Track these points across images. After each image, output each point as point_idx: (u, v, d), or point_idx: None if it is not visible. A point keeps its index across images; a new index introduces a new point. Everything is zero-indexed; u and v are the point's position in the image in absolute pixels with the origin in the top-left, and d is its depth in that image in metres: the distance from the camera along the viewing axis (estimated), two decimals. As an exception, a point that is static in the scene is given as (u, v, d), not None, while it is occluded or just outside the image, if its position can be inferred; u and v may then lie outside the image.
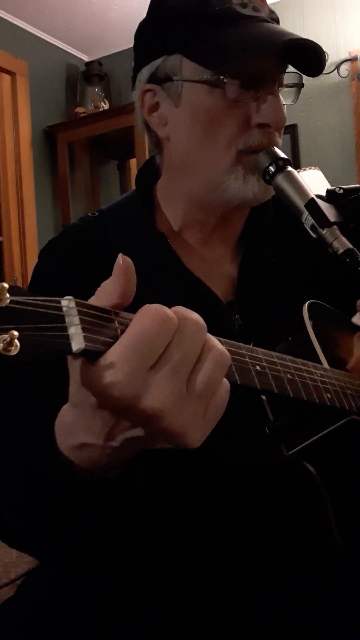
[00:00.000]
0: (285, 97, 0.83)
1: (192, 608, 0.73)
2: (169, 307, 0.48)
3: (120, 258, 0.48)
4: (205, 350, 0.48)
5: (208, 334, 0.50)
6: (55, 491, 0.59)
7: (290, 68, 0.82)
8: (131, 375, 0.45)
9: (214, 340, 0.50)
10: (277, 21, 0.82)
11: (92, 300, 0.49)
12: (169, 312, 0.47)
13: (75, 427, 0.53)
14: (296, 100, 0.84)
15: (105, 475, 0.56)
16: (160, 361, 0.46)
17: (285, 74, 0.82)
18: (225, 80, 0.76)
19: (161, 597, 0.73)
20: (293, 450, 0.70)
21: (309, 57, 0.79)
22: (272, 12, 0.81)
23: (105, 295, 0.48)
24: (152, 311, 0.46)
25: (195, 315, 0.49)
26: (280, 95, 0.81)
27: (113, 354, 0.45)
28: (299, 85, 0.84)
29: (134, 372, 0.45)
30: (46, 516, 0.63)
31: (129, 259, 0.48)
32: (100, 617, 0.73)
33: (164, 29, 0.81)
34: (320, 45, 0.78)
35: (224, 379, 0.50)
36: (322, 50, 0.79)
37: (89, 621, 0.73)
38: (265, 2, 0.81)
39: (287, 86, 0.83)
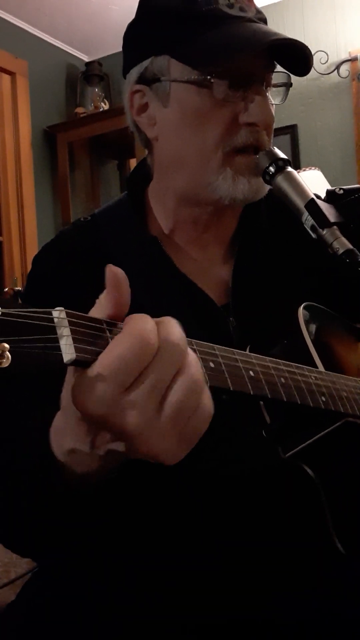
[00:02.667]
0: (274, 97, 0.83)
1: (193, 610, 0.73)
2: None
3: (108, 269, 0.48)
4: (179, 374, 0.47)
5: (190, 353, 0.49)
6: (50, 494, 0.59)
7: (279, 68, 0.82)
8: (105, 395, 0.45)
9: (190, 364, 0.48)
10: (265, 21, 0.82)
11: (92, 312, 0.49)
12: (150, 335, 0.46)
13: (65, 432, 0.53)
14: (284, 99, 0.84)
15: (101, 478, 0.56)
16: (136, 383, 0.46)
17: (274, 74, 0.82)
18: (212, 80, 0.77)
19: (162, 599, 0.73)
20: (290, 453, 0.70)
21: (296, 56, 0.79)
22: (259, 12, 0.81)
23: (100, 307, 0.49)
24: (134, 332, 0.46)
25: (177, 336, 0.47)
26: (269, 95, 0.81)
27: (92, 371, 0.45)
28: (288, 85, 0.84)
29: (108, 393, 0.45)
30: (41, 518, 0.63)
31: (117, 269, 0.48)
32: (102, 620, 0.73)
33: (152, 30, 0.82)
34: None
35: (203, 404, 0.49)
36: (309, 50, 0.79)
37: (91, 625, 0.73)
38: (252, 2, 0.81)
39: (276, 86, 0.83)
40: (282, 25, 3.32)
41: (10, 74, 3.53)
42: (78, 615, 0.74)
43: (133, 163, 4.08)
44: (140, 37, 0.84)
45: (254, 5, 0.81)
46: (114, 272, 0.48)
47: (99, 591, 0.75)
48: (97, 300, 0.49)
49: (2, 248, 3.52)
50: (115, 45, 3.81)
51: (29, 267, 0.90)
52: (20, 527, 0.67)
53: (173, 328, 0.48)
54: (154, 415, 0.46)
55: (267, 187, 0.82)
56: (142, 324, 0.46)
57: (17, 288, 3.31)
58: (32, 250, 3.50)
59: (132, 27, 0.85)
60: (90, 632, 0.72)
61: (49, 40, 3.78)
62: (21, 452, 0.63)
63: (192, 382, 0.48)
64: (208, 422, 0.50)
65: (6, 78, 3.54)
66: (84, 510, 0.62)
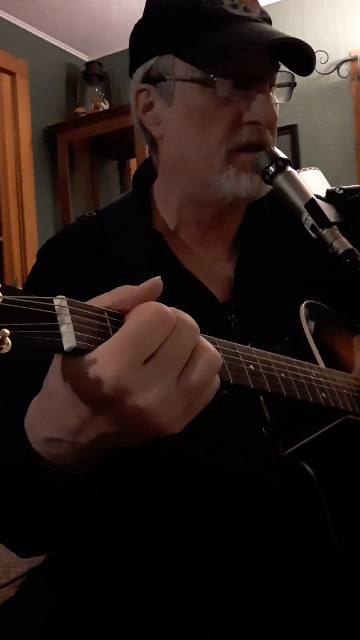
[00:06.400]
0: (278, 96, 0.83)
1: (191, 609, 0.73)
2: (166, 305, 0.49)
3: (157, 279, 0.50)
4: (198, 351, 0.49)
5: (200, 336, 0.50)
6: (29, 488, 0.59)
7: (282, 67, 0.82)
8: (124, 369, 0.45)
9: (206, 342, 0.50)
10: (269, 21, 0.82)
11: (108, 296, 0.49)
12: (168, 309, 0.47)
13: (45, 420, 0.53)
14: (289, 99, 0.85)
15: (76, 472, 0.57)
16: (154, 357, 0.46)
17: (278, 74, 0.82)
18: (215, 80, 0.77)
19: (161, 599, 0.74)
20: (289, 450, 0.70)
21: (299, 56, 0.80)
22: (263, 12, 0.82)
23: (121, 296, 0.49)
24: (152, 307, 0.47)
25: (190, 317, 0.49)
26: (273, 94, 0.81)
27: (107, 348, 0.45)
28: (292, 85, 0.84)
29: (127, 366, 0.45)
30: (18, 511, 0.64)
31: (161, 282, 0.50)
32: (101, 619, 0.73)
33: (157, 30, 0.82)
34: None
35: (216, 378, 0.51)
36: (312, 49, 0.79)
37: (89, 622, 0.73)
38: (257, 2, 0.82)
39: (280, 85, 0.83)
40: (282, 25, 3.32)
41: (10, 74, 3.53)
42: (76, 613, 0.74)
43: (133, 163, 4.08)
44: (145, 37, 0.85)
45: (259, 5, 0.82)
46: (159, 284, 0.50)
47: (96, 589, 0.75)
48: (118, 288, 0.50)
49: (2, 248, 3.52)
50: (115, 45, 3.82)
51: (29, 267, 0.90)
52: (6, 524, 0.67)
53: (184, 313, 0.49)
54: (171, 390, 0.47)
55: (269, 186, 0.82)
56: (158, 303, 0.48)
57: (17, 288, 3.31)
58: (32, 250, 3.50)
59: (138, 27, 0.86)
60: (88, 631, 0.72)
61: (49, 40, 3.78)
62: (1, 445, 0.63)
63: (213, 356, 0.50)
64: (214, 393, 0.51)
65: (6, 78, 3.54)
66: (71, 504, 0.62)
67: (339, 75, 3.28)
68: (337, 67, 3.27)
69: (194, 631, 0.72)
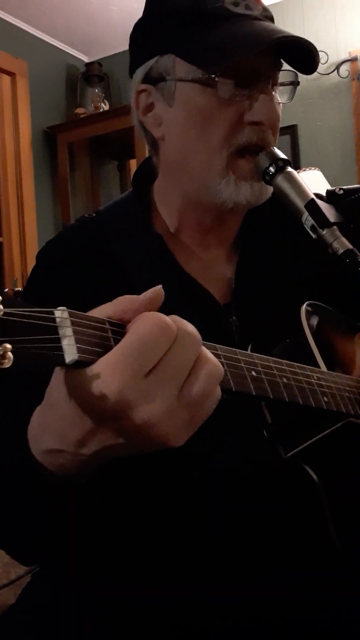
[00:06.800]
0: (281, 96, 0.82)
1: (192, 613, 0.73)
2: (166, 309, 0.48)
3: (159, 289, 0.49)
4: (199, 362, 0.48)
5: (202, 346, 0.50)
6: (31, 496, 0.59)
7: (285, 66, 0.81)
8: (127, 382, 0.45)
9: (208, 352, 0.50)
10: (271, 19, 0.81)
11: (110, 306, 0.49)
12: (169, 320, 0.47)
13: (47, 431, 0.52)
14: (292, 98, 0.84)
15: (77, 481, 0.56)
16: (156, 369, 0.46)
17: (281, 73, 0.81)
18: (217, 79, 0.76)
19: (162, 602, 0.73)
20: (291, 453, 0.69)
21: (303, 55, 0.78)
22: (265, 10, 0.80)
23: (122, 305, 0.48)
24: (153, 318, 0.46)
25: (192, 327, 0.49)
26: (276, 93, 0.80)
27: (110, 361, 0.45)
28: (295, 84, 0.83)
29: (129, 379, 0.45)
30: (26, 522, 0.63)
31: (162, 292, 0.49)
32: (102, 623, 0.73)
33: (157, 29, 0.81)
34: (320, 45, 0.78)
35: (217, 390, 0.50)
36: (315, 47, 0.78)
37: (91, 628, 0.73)
38: (259, 0, 0.81)
39: (283, 84, 0.82)
40: (282, 25, 3.29)
41: (10, 74, 3.53)
42: (78, 620, 0.73)
43: (133, 163, 4.08)
44: (145, 37, 0.83)
45: (261, 3, 0.80)
46: (160, 294, 0.49)
47: (98, 594, 0.75)
48: (119, 298, 0.49)
49: (2, 248, 3.52)
50: (115, 45, 3.82)
51: (29, 267, 0.90)
52: (8, 532, 0.67)
53: (186, 322, 0.49)
54: (174, 402, 0.47)
55: (270, 190, 0.82)
56: (158, 313, 0.47)
57: (17, 289, 3.31)
58: (32, 250, 3.50)
59: (138, 26, 0.85)
60: (91, 635, 0.72)
61: (49, 41, 3.78)
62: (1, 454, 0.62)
63: (215, 368, 0.49)
64: (216, 404, 0.50)
65: (6, 78, 3.54)
66: (72, 510, 0.62)
67: (339, 75, 3.28)
68: (337, 68, 3.27)
69: (196, 633, 0.72)
